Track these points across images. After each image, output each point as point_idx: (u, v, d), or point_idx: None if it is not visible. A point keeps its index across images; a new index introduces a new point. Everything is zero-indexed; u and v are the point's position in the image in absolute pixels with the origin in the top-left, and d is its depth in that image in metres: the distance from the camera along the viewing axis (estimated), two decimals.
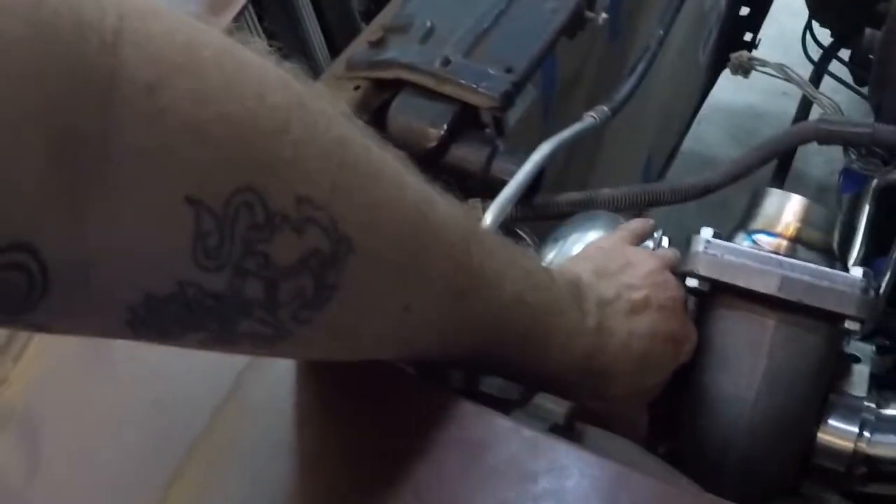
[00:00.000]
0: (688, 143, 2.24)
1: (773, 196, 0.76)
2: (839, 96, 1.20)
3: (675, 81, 1.81)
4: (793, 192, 0.77)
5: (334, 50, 1.21)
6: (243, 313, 0.41)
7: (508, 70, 0.89)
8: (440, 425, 0.55)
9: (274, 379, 0.60)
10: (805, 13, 2.04)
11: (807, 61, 1.92)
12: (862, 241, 0.93)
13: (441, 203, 0.51)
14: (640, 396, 0.68)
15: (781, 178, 1.38)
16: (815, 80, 1.92)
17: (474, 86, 0.87)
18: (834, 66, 1.93)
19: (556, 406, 0.58)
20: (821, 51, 1.93)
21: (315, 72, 1.16)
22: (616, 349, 0.63)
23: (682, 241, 0.75)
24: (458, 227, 0.52)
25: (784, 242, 0.73)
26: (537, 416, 0.57)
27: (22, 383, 0.72)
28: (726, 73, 1.38)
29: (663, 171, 1.93)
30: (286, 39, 1.14)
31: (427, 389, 0.58)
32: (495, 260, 0.55)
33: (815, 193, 2.30)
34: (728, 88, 2.21)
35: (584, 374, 0.62)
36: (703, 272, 0.71)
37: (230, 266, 0.39)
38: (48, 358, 0.73)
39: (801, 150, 1.22)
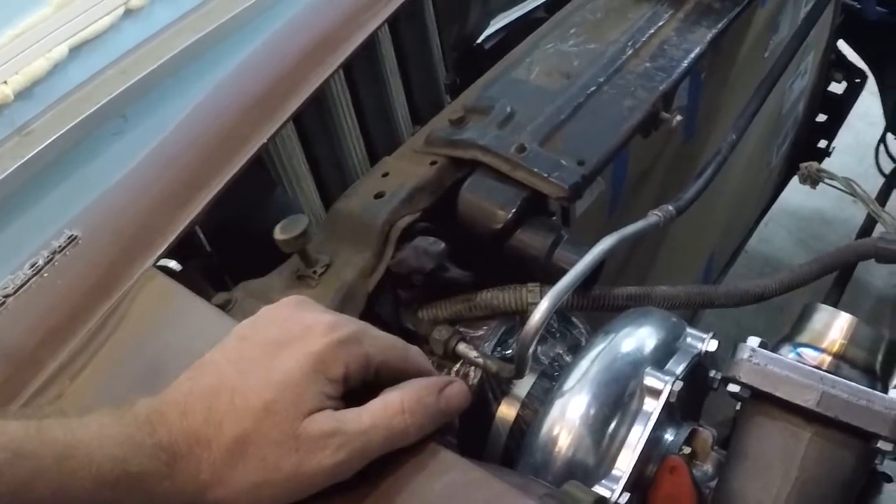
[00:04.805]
0: (753, 242, 2.25)
1: (823, 312, 0.78)
2: None
3: (746, 182, 1.82)
4: (852, 299, 0.78)
5: (417, 118, 1.26)
6: None
7: (580, 163, 0.91)
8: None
9: None
10: (882, 123, 2.06)
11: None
12: None
13: None
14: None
15: (841, 289, 1.39)
16: (886, 191, 1.93)
17: (546, 175, 0.89)
18: None
19: (584, 495, 0.60)
20: (894, 164, 1.95)
21: (395, 138, 1.21)
22: (226, 492, 0.62)
23: (740, 338, 0.76)
24: None
25: (828, 358, 0.75)
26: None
27: (74, 400, 0.76)
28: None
29: (726, 268, 1.93)
30: (371, 104, 1.19)
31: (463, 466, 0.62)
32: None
33: (874, 303, 2.29)
34: (799, 191, 2.24)
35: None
36: (744, 379, 0.73)
37: None
38: (103, 379, 0.77)
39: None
